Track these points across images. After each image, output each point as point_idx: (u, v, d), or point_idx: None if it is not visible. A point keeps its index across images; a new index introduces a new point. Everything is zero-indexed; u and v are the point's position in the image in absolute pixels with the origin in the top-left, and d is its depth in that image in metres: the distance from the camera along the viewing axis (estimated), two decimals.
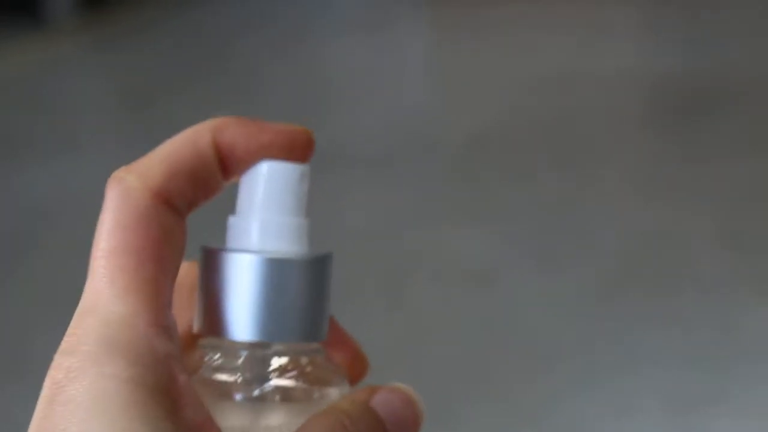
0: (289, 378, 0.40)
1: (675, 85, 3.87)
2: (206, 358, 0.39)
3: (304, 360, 0.40)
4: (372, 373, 1.87)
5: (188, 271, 0.41)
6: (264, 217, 0.40)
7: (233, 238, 0.40)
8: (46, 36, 5.15)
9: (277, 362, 0.40)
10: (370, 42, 4.76)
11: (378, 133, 3.70)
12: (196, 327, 0.39)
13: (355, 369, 0.44)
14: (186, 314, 0.41)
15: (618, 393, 2.27)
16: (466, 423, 2.23)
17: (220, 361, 0.40)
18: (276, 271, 0.40)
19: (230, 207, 0.43)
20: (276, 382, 0.40)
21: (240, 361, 0.40)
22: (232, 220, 0.40)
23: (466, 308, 2.59)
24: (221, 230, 0.41)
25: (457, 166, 3.37)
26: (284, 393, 0.39)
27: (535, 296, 2.62)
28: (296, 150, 0.43)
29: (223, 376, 0.39)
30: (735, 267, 2.67)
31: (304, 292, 0.40)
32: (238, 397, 0.39)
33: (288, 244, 0.40)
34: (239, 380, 0.39)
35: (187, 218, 0.41)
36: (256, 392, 0.39)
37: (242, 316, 0.40)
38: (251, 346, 0.39)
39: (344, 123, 3.85)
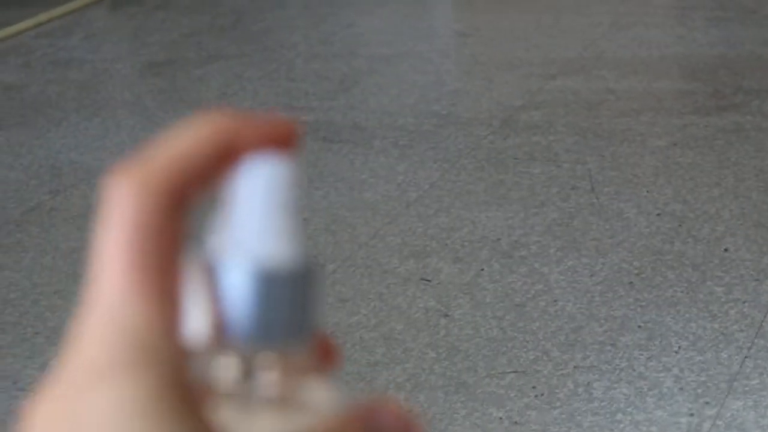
0: (279, 380, 0.40)
1: (708, 69, 3.85)
2: (201, 358, 0.40)
3: (292, 363, 0.40)
4: (397, 345, 1.88)
5: None
6: (256, 222, 0.40)
7: (222, 240, 0.40)
8: (81, 0, 5.16)
9: (266, 365, 0.40)
10: (400, 20, 4.75)
11: (407, 111, 3.70)
12: (188, 328, 0.40)
13: (331, 360, 0.44)
14: None
15: (640, 374, 2.27)
16: (486, 395, 2.23)
17: (213, 362, 0.40)
18: (267, 277, 0.40)
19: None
20: (266, 384, 0.40)
21: (231, 362, 0.40)
22: (221, 221, 0.40)
23: (491, 285, 2.59)
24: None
25: (486, 145, 3.36)
26: (275, 395, 0.40)
27: (560, 275, 2.62)
28: (285, 144, 0.42)
29: (216, 377, 0.40)
30: (763, 251, 2.66)
31: (294, 297, 0.41)
32: (230, 398, 0.39)
33: (280, 250, 0.40)
34: (232, 381, 0.40)
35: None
36: (247, 394, 0.40)
37: (235, 320, 0.40)
38: (243, 348, 0.40)
39: (373, 101, 3.85)
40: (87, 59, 4.44)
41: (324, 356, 0.42)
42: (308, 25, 4.73)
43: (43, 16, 4.99)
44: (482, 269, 2.67)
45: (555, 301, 2.53)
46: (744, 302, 2.48)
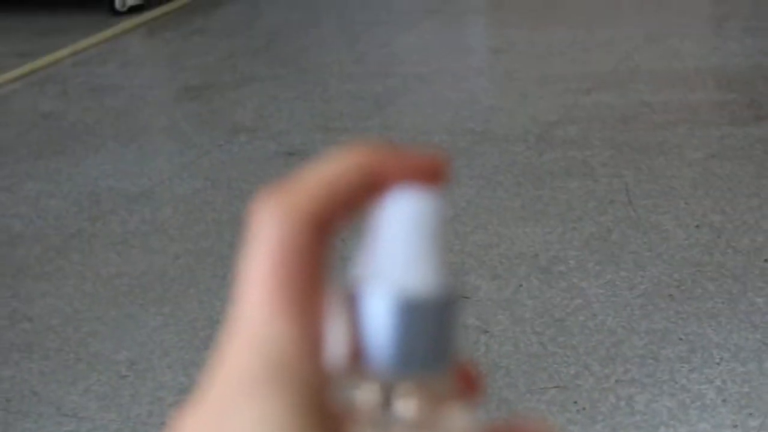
0: (418, 408, 0.41)
1: (744, 80, 3.83)
2: (340, 382, 0.40)
3: (432, 390, 0.41)
4: None
5: None
6: (399, 250, 0.40)
7: (365, 268, 0.41)
8: (118, 27, 5.21)
9: (406, 393, 0.41)
10: (434, 38, 4.76)
11: (442, 129, 3.70)
12: (329, 351, 0.40)
13: (474, 389, 0.45)
14: None
15: (682, 386, 2.25)
16: (527, 411, 2.22)
17: (352, 387, 0.41)
18: (409, 306, 0.40)
19: None
20: (405, 412, 0.41)
21: (371, 389, 0.41)
22: (364, 249, 0.41)
23: (530, 301, 2.59)
24: None
25: (522, 160, 3.36)
26: (413, 423, 0.41)
27: (599, 289, 2.61)
28: (434, 178, 0.43)
29: (354, 403, 0.40)
30: None
31: (436, 327, 0.41)
32: (368, 425, 0.40)
33: (422, 279, 0.41)
34: (371, 408, 0.40)
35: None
36: (386, 422, 0.40)
37: (376, 347, 0.41)
38: (383, 375, 0.41)
39: (408, 120, 3.86)
40: (123, 86, 4.47)
41: (466, 385, 0.42)
42: (342, 45, 4.74)
43: (80, 44, 5.04)
44: (521, 285, 2.67)
45: (594, 315, 2.52)
46: None
